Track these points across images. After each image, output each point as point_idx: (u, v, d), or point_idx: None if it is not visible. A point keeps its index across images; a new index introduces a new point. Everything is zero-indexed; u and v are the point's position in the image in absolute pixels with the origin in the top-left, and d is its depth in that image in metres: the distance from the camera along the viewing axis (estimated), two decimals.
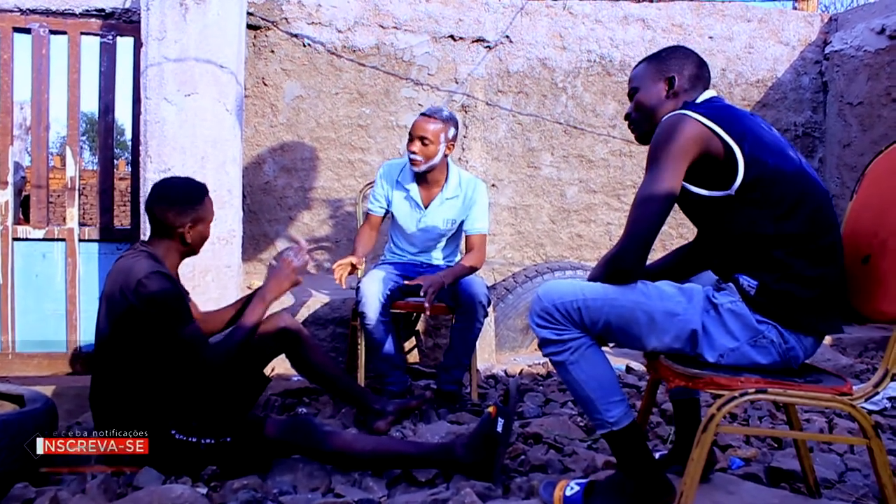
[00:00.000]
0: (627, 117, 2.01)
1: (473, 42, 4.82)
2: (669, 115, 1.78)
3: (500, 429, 2.13)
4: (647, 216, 1.70)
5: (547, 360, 4.15)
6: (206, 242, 2.48)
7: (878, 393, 1.62)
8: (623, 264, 1.73)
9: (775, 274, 1.69)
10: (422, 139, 3.15)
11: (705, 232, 1.92)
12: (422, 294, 2.92)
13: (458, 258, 3.48)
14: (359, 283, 3.15)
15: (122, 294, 2.21)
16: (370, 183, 3.56)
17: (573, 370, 1.80)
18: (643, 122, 1.96)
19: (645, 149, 5.70)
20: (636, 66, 2.01)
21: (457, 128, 3.24)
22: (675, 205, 1.76)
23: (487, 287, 3.20)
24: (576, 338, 1.78)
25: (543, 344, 1.83)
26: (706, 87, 1.93)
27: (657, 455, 2.20)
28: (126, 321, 2.22)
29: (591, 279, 1.83)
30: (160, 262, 2.31)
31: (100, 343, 2.31)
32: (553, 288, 1.80)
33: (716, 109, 1.75)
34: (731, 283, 1.78)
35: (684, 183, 1.76)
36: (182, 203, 2.36)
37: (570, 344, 1.78)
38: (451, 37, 4.77)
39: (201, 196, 2.42)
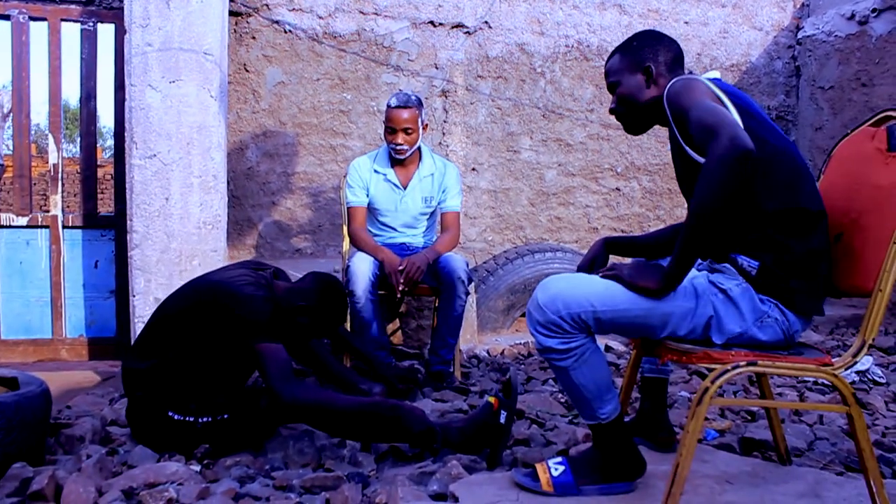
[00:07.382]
0: (613, 112, 2.00)
1: (453, 28, 4.86)
2: (677, 78, 1.79)
3: (503, 420, 2.14)
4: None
5: (528, 340, 4.18)
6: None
7: (856, 363, 1.71)
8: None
9: (772, 254, 1.73)
10: (405, 130, 3.30)
11: None
12: (406, 276, 3.12)
13: (435, 237, 3.56)
14: (348, 262, 3.22)
15: (216, 294, 2.24)
16: None
17: (574, 375, 1.76)
18: (629, 114, 1.97)
19: (621, 133, 5.66)
20: (609, 57, 2.00)
21: (423, 107, 3.39)
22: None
23: (468, 265, 3.28)
24: (581, 344, 1.74)
25: (546, 351, 1.76)
26: (682, 67, 1.95)
27: None
28: (201, 314, 2.25)
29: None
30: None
31: (155, 322, 2.35)
32: (557, 296, 1.71)
33: (721, 84, 1.78)
34: (727, 265, 1.79)
35: (686, 147, 1.76)
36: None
37: (575, 352, 1.74)
38: (431, 22, 4.80)
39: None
